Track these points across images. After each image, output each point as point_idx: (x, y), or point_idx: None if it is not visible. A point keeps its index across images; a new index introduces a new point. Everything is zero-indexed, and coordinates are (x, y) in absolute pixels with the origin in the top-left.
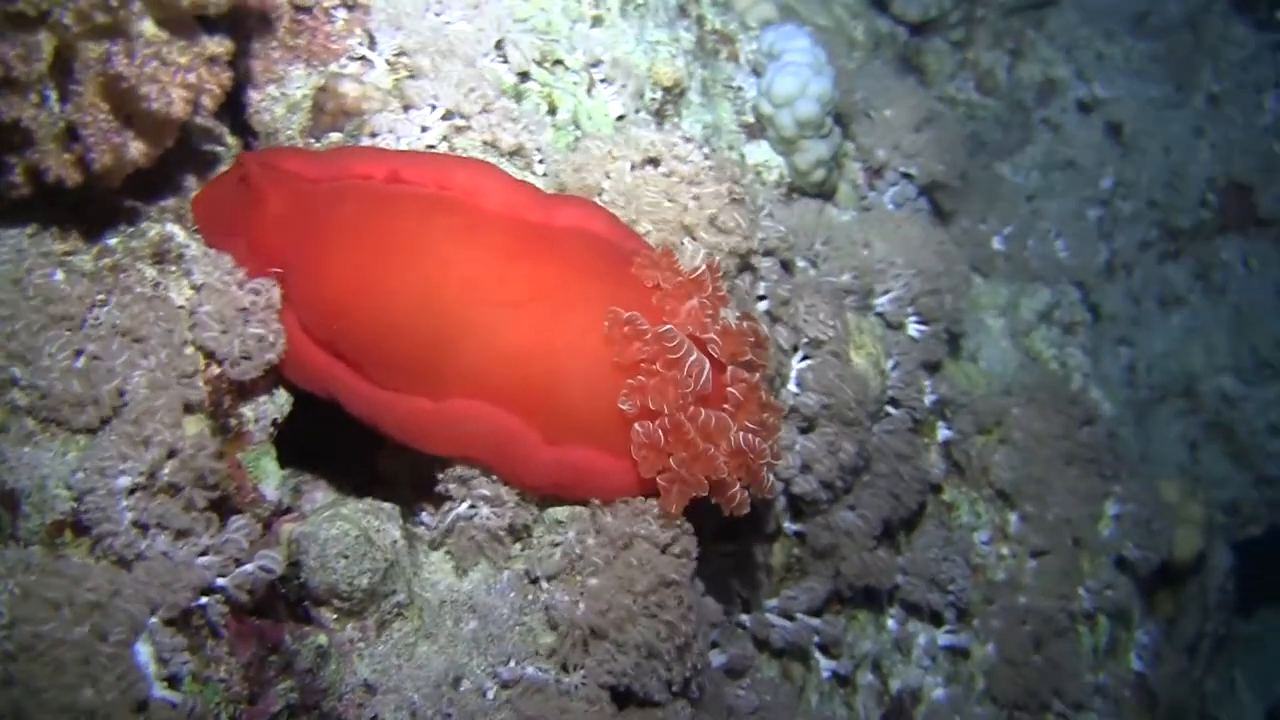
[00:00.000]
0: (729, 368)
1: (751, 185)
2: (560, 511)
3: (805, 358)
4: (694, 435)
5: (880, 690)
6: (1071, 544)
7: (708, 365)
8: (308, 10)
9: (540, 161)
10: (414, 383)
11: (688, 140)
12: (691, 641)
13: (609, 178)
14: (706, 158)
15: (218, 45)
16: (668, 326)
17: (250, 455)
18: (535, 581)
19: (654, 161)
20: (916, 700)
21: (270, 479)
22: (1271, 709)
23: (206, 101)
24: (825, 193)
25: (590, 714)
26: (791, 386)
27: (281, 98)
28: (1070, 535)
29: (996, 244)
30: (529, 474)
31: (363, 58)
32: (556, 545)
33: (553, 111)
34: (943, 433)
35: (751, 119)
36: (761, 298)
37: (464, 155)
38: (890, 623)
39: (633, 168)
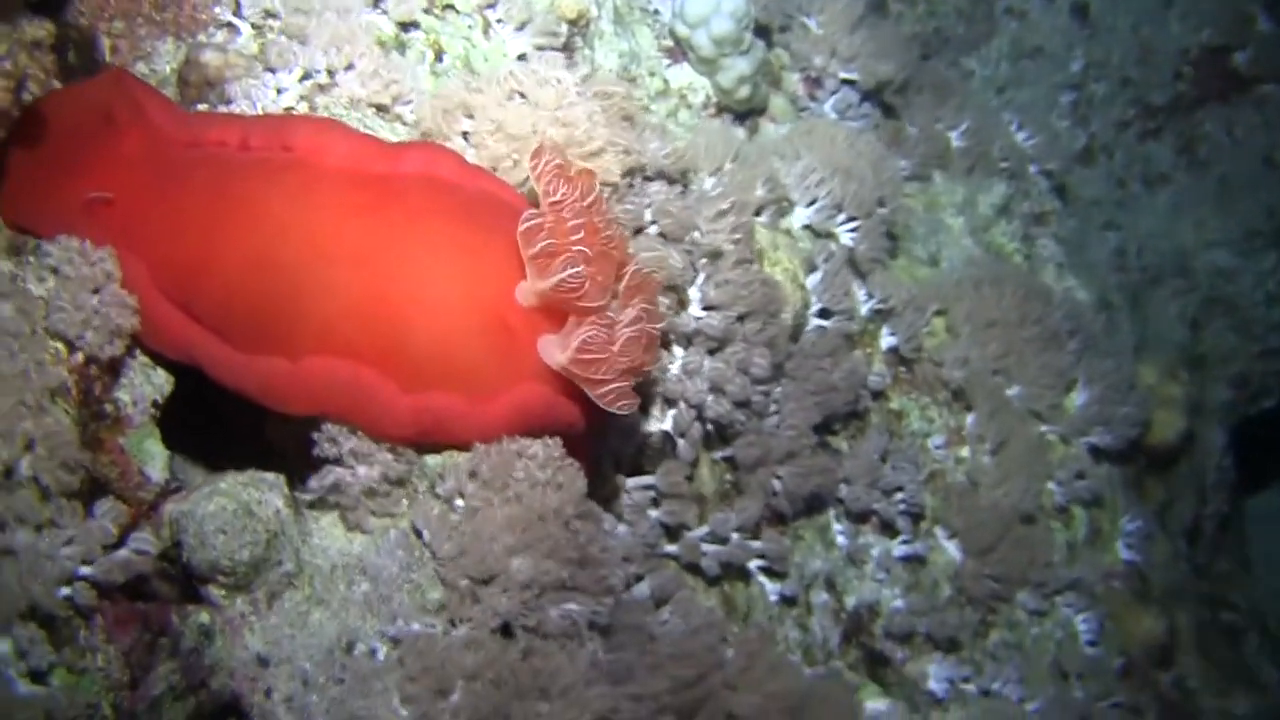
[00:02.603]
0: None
1: (633, 99)
2: (437, 460)
3: (706, 275)
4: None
5: (836, 608)
6: (1036, 435)
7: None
8: None
9: (410, 112)
10: (270, 344)
11: (551, 66)
12: (583, 573)
13: (471, 117)
14: (576, 83)
15: (38, 29)
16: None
17: (132, 439)
18: (420, 535)
19: (519, 94)
20: (875, 614)
21: (155, 460)
22: None
23: (32, 87)
24: (756, 109)
25: (477, 659)
26: (694, 309)
27: (150, 74)
28: (1033, 427)
29: (954, 140)
30: (390, 424)
31: (229, 24)
32: (436, 496)
33: (439, 58)
34: (886, 339)
35: (671, 42)
36: (651, 223)
37: (318, 114)
38: (839, 538)
39: (496, 103)
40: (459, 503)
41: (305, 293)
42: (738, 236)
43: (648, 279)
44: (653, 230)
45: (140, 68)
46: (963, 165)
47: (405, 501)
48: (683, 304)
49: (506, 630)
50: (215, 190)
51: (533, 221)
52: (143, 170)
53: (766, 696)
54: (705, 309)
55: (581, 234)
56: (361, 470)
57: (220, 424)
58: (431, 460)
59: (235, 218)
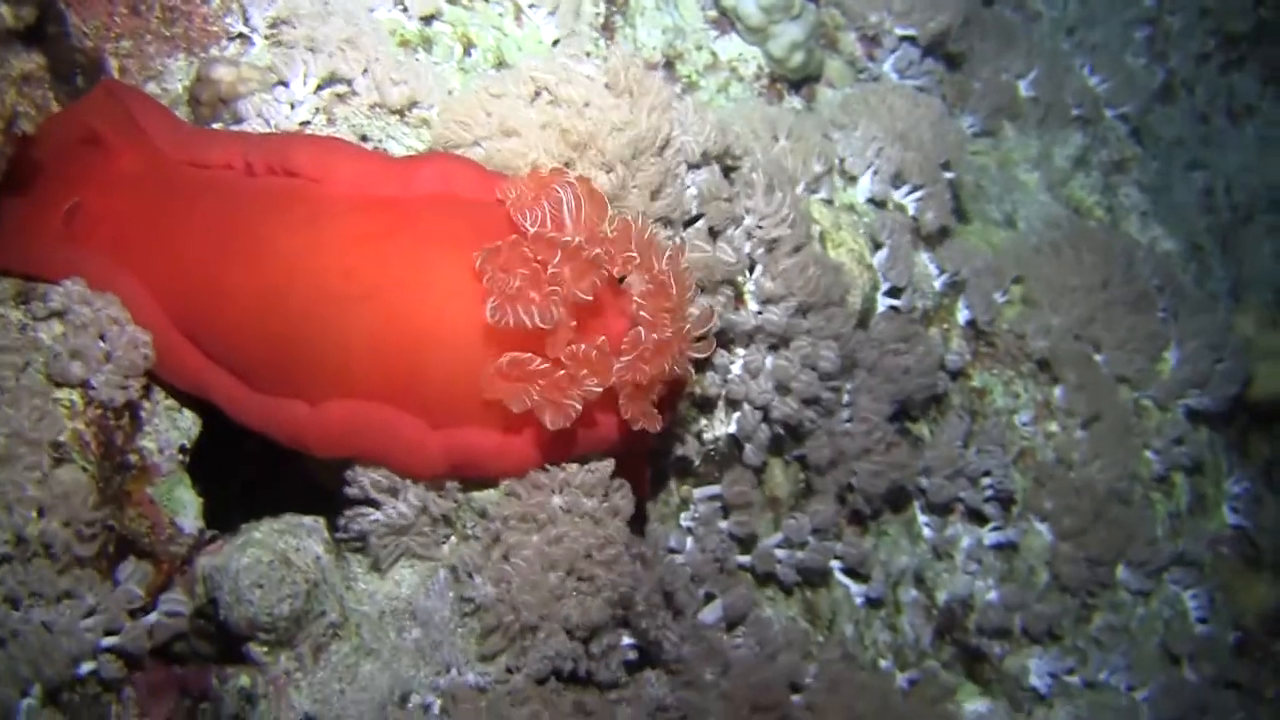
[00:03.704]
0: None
1: (653, 79)
2: (481, 495)
3: (763, 267)
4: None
5: (926, 605)
6: (1129, 403)
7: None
8: None
9: (437, 115)
10: (288, 385)
11: (577, 59)
12: (637, 611)
13: (489, 116)
14: (599, 70)
15: (27, 62)
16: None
17: (161, 488)
18: (470, 575)
19: (545, 90)
20: (968, 608)
21: (187, 509)
22: None
23: (24, 125)
24: (811, 75)
25: (527, 714)
26: (751, 304)
27: (163, 94)
28: (1125, 394)
29: (1024, 89)
30: (421, 463)
31: (240, 35)
32: (480, 534)
33: (468, 52)
34: (964, 313)
35: (716, 13)
36: (695, 217)
37: (324, 133)
38: (926, 531)
39: (523, 101)
40: (501, 540)
41: (318, 332)
42: (791, 220)
43: (659, 281)
44: (701, 223)
45: (151, 88)
46: (1034, 116)
47: (454, 539)
48: (740, 299)
49: (559, 676)
50: (220, 222)
51: (484, 255)
52: (141, 188)
53: None
54: (763, 303)
55: (556, 254)
56: (400, 508)
57: (259, 459)
58: (478, 495)
59: (241, 254)
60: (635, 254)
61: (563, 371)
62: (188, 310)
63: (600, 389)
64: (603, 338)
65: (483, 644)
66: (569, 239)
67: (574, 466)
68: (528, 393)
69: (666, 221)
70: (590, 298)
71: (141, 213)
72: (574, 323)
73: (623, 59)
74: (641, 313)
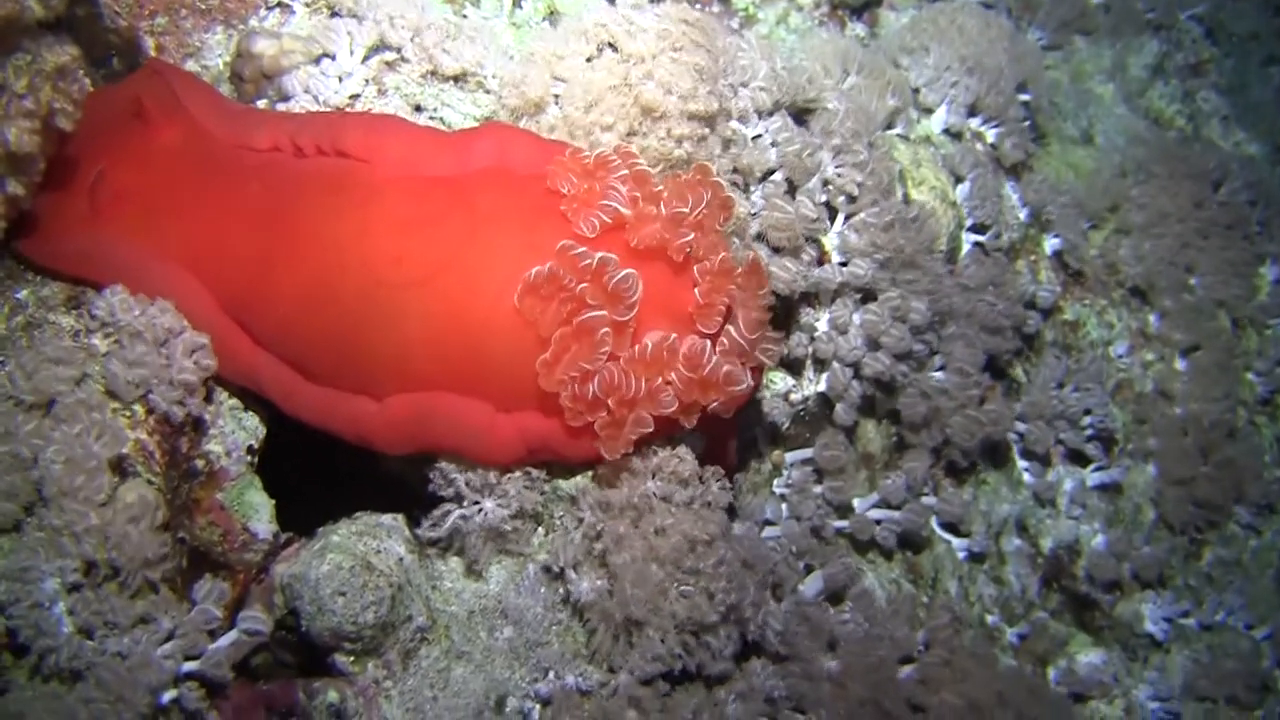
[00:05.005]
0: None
1: (711, 27)
2: (569, 485)
3: (845, 217)
4: (621, 380)
5: (1031, 553)
6: (1229, 326)
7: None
8: None
9: (493, 78)
10: (348, 379)
11: (639, 9)
12: (746, 610)
13: (561, 81)
14: (660, 21)
15: (61, 54)
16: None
17: (231, 493)
18: (563, 572)
19: (611, 45)
20: (1075, 554)
21: (259, 513)
22: None
23: (62, 122)
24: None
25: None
26: (835, 256)
27: (203, 71)
28: (1224, 317)
29: None
30: (497, 449)
31: (280, 4)
32: (573, 527)
33: (518, 4)
34: (1050, 243)
35: None
36: (770, 171)
37: (374, 109)
38: (1026, 476)
39: (588, 61)
40: (598, 533)
41: (371, 321)
42: (870, 167)
43: (720, 264)
44: (778, 176)
45: (191, 65)
46: (1107, 25)
47: (542, 531)
48: (823, 254)
49: (666, 675)
50: (268, 208)
51: (520, 293)
52: (183, 163)
53: (964, 697)
54: (847, 256)
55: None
56: (487, 503)
57: (329, 454)
58: (564, 484)
59: (290, 242)
60: (693, 232)
61: (634, 385)
62: (237, 296)
63: (675, 400)
64: (658, 334)
65: (586, 643)
66: (591, 261)
67: (665, 452)
68: (595, 415)
69: (742, 178)
70: (631, 315)
71: (183, 190)
72: (631, 325)
73: (679, 9)
74: (697, 291)
